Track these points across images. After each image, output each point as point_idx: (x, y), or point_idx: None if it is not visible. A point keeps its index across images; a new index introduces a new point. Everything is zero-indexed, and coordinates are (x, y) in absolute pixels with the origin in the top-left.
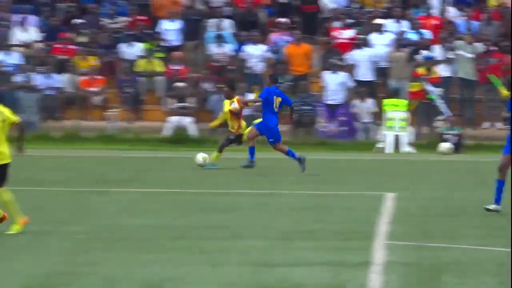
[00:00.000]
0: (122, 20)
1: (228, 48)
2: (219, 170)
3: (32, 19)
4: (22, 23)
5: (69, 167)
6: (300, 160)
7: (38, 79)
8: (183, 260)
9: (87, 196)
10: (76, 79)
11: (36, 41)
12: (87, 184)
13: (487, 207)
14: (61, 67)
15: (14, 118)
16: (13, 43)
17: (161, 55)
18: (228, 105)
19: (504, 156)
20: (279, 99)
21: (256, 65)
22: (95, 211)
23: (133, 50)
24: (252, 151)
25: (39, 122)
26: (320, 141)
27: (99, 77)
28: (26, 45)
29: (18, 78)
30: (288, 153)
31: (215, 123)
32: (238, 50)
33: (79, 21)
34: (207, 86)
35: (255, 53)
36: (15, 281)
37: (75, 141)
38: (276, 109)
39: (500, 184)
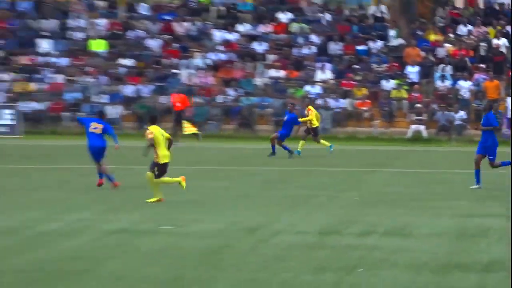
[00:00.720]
0: (383, 66)
1: (447, 83)
2: (446, 157)
3: (328, 65)
4: (321, 68)
5: (348, 155)
6: (291, 152)
7: (331, 102)
8: (415, 213)
9: (360, 174)
10: (354, 102)
11: (330, 79)
12: (360, 166)
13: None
14: (345, 95)
15: (167, 135)
16: (316, 80)
17: (406, 87)
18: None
19: (477, 155)
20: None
21: (465, 93)
22: (365, 183)
23: (389, 84)
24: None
25: (331, 129)
26: (504, 141)
27: (368, 101)
28: (324, 81)
29: (319, 101)
30: (284, 147)
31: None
32: (454, 84)
33: (356, 66)
34: (434, 106)
35: (465, 86)
36: (314, 226)
37: (353, 141)
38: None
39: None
